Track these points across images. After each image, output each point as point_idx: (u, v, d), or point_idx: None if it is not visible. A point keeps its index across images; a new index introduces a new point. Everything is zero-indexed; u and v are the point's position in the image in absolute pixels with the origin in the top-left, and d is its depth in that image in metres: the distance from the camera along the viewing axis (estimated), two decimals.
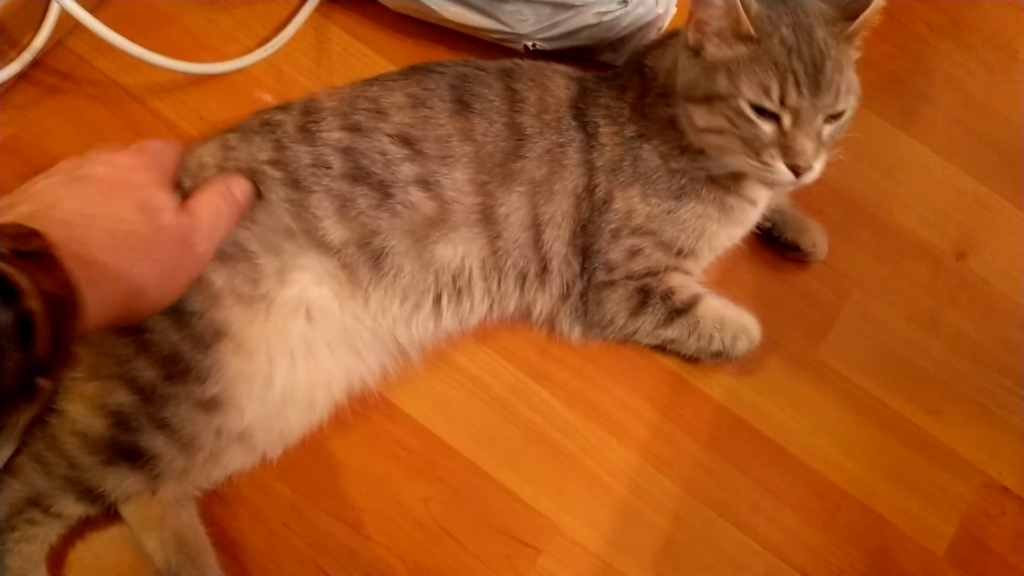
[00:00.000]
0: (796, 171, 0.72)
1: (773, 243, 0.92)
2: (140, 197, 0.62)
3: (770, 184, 0.77)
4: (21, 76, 0.86)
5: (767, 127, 0.72)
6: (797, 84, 0.70)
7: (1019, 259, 0.98)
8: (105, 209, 0.58)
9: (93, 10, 0.89)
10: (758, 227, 0.88)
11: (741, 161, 0.74)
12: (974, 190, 1.00)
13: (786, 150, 0.72)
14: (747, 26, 0.70)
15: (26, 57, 0.85)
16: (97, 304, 0.51)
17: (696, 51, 0.74)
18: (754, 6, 0.70)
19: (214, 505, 0.77)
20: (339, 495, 0.80)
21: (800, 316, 0.92)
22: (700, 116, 0.75)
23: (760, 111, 0.71)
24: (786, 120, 0.71)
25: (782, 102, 0.71)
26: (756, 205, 0.83)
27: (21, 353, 0.43)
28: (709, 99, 0.73)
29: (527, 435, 0.84)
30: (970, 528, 0.87)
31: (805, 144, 0.71)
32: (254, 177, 0.75)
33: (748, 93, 0.71)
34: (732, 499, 0.84)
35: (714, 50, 0.72)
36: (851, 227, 0.96)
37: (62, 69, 0.89)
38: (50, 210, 0.56)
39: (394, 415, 0.83)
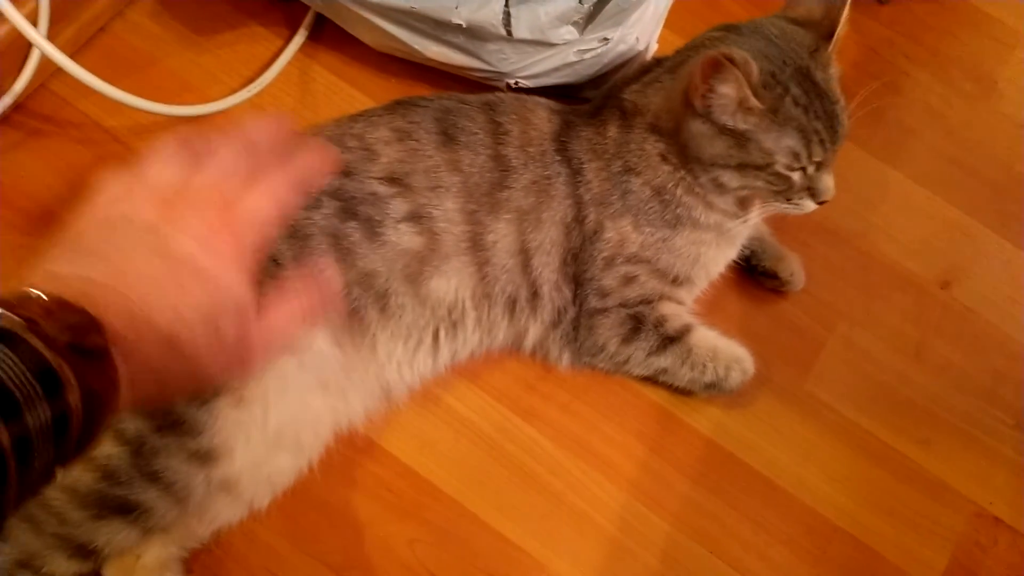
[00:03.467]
0: (821, 203, 0.79)
1: (751, 272, 0.92)
2: (216, 301, 0.54)
3: (794, 215, 0.81)
4: (3, 119, 0.87)
5: (796, 176, 0.76)
6: (821, 142, 0.74)
7: (1004, 287, 0.98)
8: (175, 303, 0.52)
9: (76, 53, 0.89)
10: (737, 256, 0.89)
11: (769, 205, 0.79)
12: (957, 219, 1.01)
13: (813, 191, 0.77)
14: (757, 104, 0.72)
15: (7, 100, 0.85)
16: (127, 400, 0.48)
17: (706, 116, 0.74)
18: (755, 71, 0.71)
19: (197, 552, 0.76)
20: (324, 538, 0.79)
21: (787, 348, 0.91)
22: (731, 178, 0.77)
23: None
24: (811, 169, 0.76)
25: (809, 159, 0.75)
26: (748, 222, 0.84)
27: (54, 449, 0.41)
28: (742, 166, 0.76)
29: (514, 474, 0.83)
30: (962, 559, 0.86)
31: (829, 182, 0.78)
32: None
33: (781, 160, 0.74)
34: (722, 535, 0.83)
35: (732, 121, 0.73)
36: (836, 259, 0.96)
37: (45, 112, 0.89)
38: (121, 280, 0.50)
39: (379, 456, 0.82)
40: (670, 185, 0.79)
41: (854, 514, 0.86)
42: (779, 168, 0.75)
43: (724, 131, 0.74)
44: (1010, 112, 1.07)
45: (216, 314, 0.54)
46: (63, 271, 0.48)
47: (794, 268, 0.92)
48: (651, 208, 0.80)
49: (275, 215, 0.59)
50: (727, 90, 0.71)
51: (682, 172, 0.79)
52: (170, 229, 0.54)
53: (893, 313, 0.95)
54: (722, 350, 0.84)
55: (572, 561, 0.81)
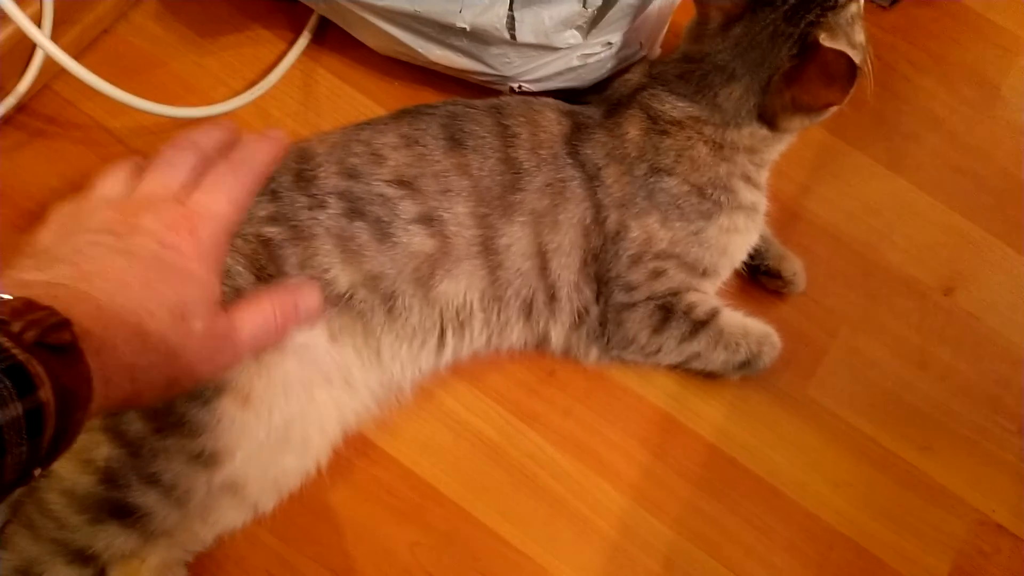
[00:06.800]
0: None
1: (753, 274, 0.92)
2: (181, 295, 0.55)
3: None
4: (6, 120, 0.86)
5: None
6: None
7: (1007, 294, 0.98)
8: (142, 300, 0.53)
9: (79, 55, 0.89)
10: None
11: None
12: (960, 226, 1.01)
13: None
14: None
15: (11, 101, 0.85)
16: (102, 399, 0.47)
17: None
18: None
19: (197, 554, 0.75)
20: (324, 541, 0.78)
21: (789, 354, 0.91)
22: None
23: None
24: None
25: None
26: (764, 192, 0.87)
27: (27, 447, 0.41)
28: None
29: (516, 478, 0.83)
30: (965, 567, 0.85)
31: None
32: (267, 248, 0.74)
33: None
34: (724, 541, 0.83)
35: None
36: (839, 265, 0.96)
37: (48, 113, 0.89)
38: (87, 282, 0.51)
39: (381, 459, 0.82)
40: (720, 179, 0.81)
41: (856, 520, 0.85)
42: None
43: None
44: (1013, 119, 1.07)
45: (182, 306, 0.55)
46: (30, 278, 0.49)
47: (796, 268, 0.92)
48: (686, 203, 0.81)
49: (227, 207, 0.60)
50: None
51: (732, 161, 0.81)
52: (128, 231, 0.55)
53: (896, 319, 0.95)
54: (752, 327, 0.86)
55: (573, 565, 0.80)
